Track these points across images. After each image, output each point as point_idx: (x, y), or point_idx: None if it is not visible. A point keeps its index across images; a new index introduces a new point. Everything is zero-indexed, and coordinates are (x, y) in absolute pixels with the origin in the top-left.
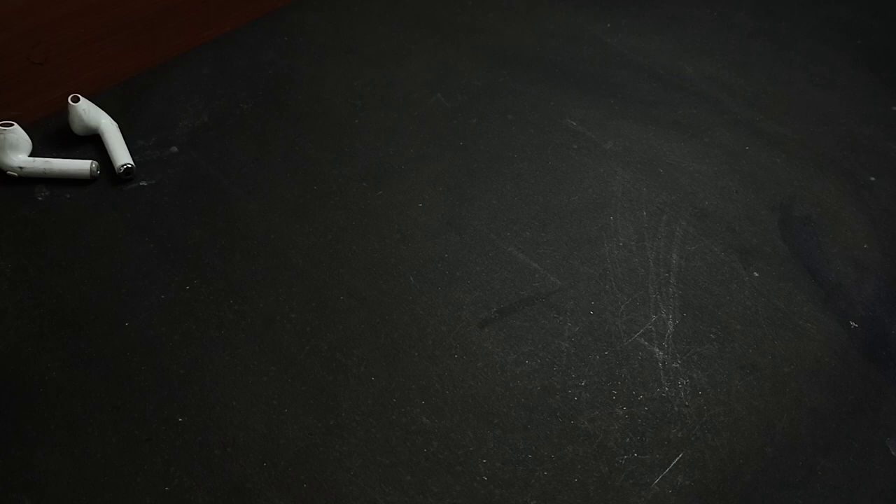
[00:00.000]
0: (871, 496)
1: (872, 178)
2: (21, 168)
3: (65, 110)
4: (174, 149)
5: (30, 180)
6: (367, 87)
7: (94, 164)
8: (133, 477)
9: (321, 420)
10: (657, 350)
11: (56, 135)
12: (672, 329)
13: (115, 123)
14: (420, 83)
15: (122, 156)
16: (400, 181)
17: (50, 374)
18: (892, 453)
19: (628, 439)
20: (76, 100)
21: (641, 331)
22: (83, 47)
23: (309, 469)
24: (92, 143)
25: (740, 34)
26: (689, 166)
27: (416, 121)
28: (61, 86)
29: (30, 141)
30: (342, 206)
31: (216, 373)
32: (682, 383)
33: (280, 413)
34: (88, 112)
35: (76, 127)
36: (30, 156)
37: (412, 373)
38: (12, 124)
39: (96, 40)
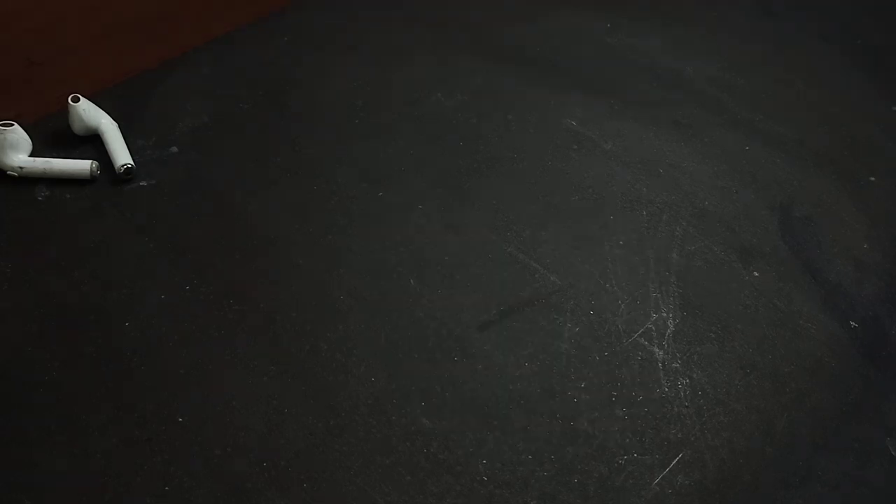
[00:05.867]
0: (871, 496)
1: (872, 178)
2: (21, 168)
3: (65, 110)
4: (174, 149)
5: (30, 180)
6: (367, 87)
7: (94, 164)
8: (133, 477)
9: (321, 420)
10: (657, 350)
11: (56, 135)
12: (672, 329)
13: (115, 123)
14: (420, 83)
15: (122, 156)
16: (400, 181)
17: (50, 374)
18: (892, 453)
19: (628, 440)
20: (76, 100)
21: (641, 330)
22: (83, 47)
23: (309, 469)
24: (92, 143)
25: (740, 34)
26: (689, 166)
27: (416, 121)
28: (61, 86)
29: (30, 141)
30: (342, 207)
31: (216, 373)
32: (682, 383)
33: (280, 413)
34: (88, 112)
35: (76, 127)
36: (30, 156)
37: (412, 374)
38: (12, 124)
39: (96, 40)
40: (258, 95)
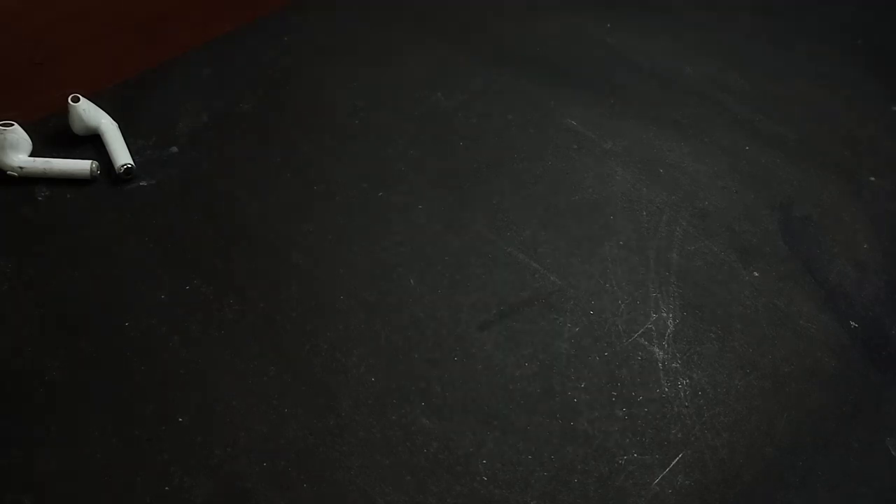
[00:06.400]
0: (871, 496)
1: (872, 178)
2: (21, 168)
3: (65, 110)
4: (174, 149)
5: (30, 180)
6: (367, 87)
7: (94, 164)
8: (133, 477)
9: (321, 420)
10: (657, 350)
11: (56, 135)
12: (672, 329)
13: (115, 123)
14: (420, 83)
15: (122, 156)
16: (400, 182)
17: (50, 373)
18: (892, 453)
19: (628, 440)
20: (76, 100)
21: (641, 330)
22: (83, 47)
23: (309, 469)
24: (92, 143)
25: (740, 34)
26: (689, 166)
27: (416, 121)
28: (61, 86)
29: (30, 141)
30: (342, 207)
31: (216, 373)
32: (682, 383)
33: (280, 413)
34: (88, 112)
35: (76, 127)
36: (30, 156)
37: (412, 374)
38: (12, 124)
39: (96, 40)
40: (258, 95)
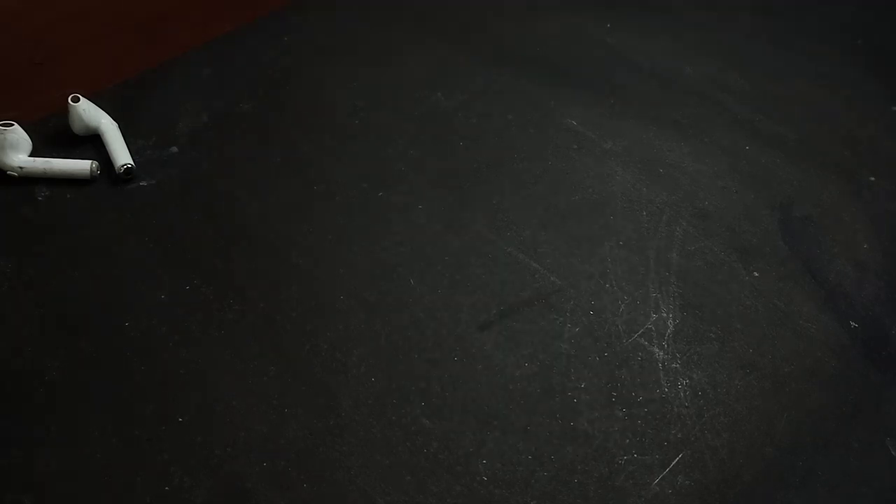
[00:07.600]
0: (871, 496)
1: (872, 178)
2: (21, 168)
3: (65, 110)
4: (174, 149)
5: (30, 180)
6: (367, 87)
7: (94, 164)
8: (133, 477)
9: (321, 420)
10: (657, 350)
11: (56, 135)
12: (672, 329)
13: (115, 123)
14: (420, 83)
15: (122, 156)
16: (400, 182)
17: (50, 373)
18: (892, 453)
19: (628, 440)
20: (76, 100)
21: (641, 330)
22: (83, 47)
23: (309, 469)
24: (92, 143)
25: (740, 34)
26: (689, 166)
27: (416, 121)
28: (61, 86)
29: (30, 141)
30: (342, 207)
31: (216, 373)
32: (681, 384)
33: (280, 413)
34: (88, 112)
35: (76, 127)
36: (30, 156)
37: (412, 374)
38: (12, 124)
39: (96, 40)
40: (258, 95)
